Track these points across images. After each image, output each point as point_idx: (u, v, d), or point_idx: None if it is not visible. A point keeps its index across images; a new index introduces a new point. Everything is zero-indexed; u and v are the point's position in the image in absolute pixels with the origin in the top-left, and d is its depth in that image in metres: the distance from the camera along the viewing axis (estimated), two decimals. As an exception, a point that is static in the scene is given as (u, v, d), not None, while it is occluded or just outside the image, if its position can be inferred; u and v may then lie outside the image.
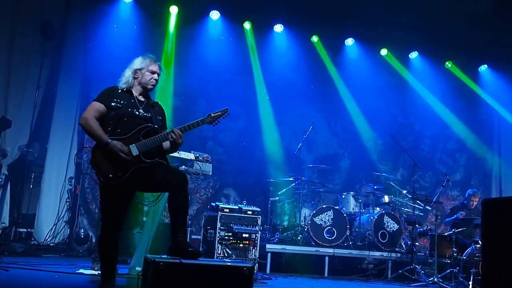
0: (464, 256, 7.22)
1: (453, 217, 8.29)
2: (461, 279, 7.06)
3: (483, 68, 11.21)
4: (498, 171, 11.17)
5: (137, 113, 4.17)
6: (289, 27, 10.08)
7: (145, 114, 4.21)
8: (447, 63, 11.00)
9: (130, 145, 4.03)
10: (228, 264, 3.85)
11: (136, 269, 5.36)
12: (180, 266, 3.67)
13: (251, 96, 9.87)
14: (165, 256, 3.88)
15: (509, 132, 10.87)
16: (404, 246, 8.46)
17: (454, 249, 7.54)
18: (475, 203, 8.48)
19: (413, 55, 10.89)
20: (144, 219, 6.11)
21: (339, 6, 9.53)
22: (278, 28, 10.07)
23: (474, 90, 11.13)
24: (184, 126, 4.18)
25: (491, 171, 11.22)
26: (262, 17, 9.80)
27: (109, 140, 3.97)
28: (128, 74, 4.26)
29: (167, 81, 8.78)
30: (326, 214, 8.08)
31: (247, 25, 9.88)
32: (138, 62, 4.29)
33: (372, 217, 8.30)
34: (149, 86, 4.29)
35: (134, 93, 4.26)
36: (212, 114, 4.29)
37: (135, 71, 4.26)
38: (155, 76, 4.29)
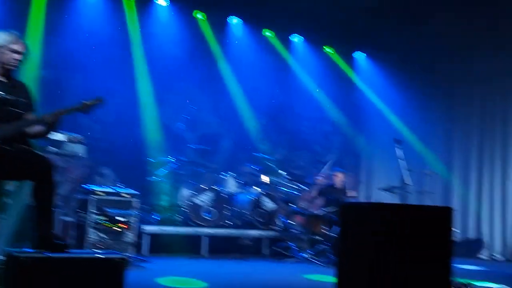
0: (334, 233, 7.64)
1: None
2: (330, 255, 7.48)
3: (360, 56, 11.79)
4: (368, 153, 11.91)
5: (-4, 95, 3.78)
6: (173, 1, 9.78)
7: (6, 96, 3.83)
8: (327, 48, 11.40)
9: None
10: (98, 256, 3.66)
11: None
12: (46, 261, 3.42)
13: (130, 71, 9.44)
14: (29, 250, 3.60)
15: (378, 117, 11.60)
16: (280, 224, 8.75)
17: (325, 226, 7.97)
18: (339, 180, 8.96)
19: (295, 38, 11.13)
20: (9, 202, 5.63)
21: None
22: (162, 1, 9.73)
23: (350, 76, 11.69)
24: (55, 113, 3.87)
25: (361, 153, 11.93)
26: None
27: None
28: None
29: (34, 50, 8.06)
30: (206, 194, 8.07)
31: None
32: None
33: (250, 197, 8.45)
34: (8, 67, 3.89)
35: None
36: (86, 102, 4.04)
37: None
38: (17, 56, 3.89)
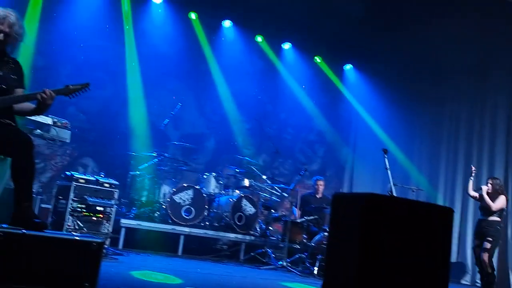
0: (313, 243, 7.63)
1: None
2: (308, 264, 7.45)
3: (348, 67, 11.91)
4: (351, 164, 11.96)
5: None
6: (167, 1, 9.80)
7: None
8: (316, 57, 11.50)
9: None
10: (75, 238, 3.60)
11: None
12: (23, 238, 3.35)
13: (121, 65, 9.41)
14: (6, 226, 3.53)
15: (364, 129, 11.68)
16: (258, 229, 8.72)
17: (304, 235, 7.95)
18: (321, 188, 8.99)
19: (286, 45, 11.21)
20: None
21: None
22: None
23: (337, 86, 11.80)
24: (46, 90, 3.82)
25: (345, 164, 11.99)
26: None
27: None
28: None
29: (29, 37, 8.02)
30: (186, 192, 8.01)
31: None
32: None
33: (231, 199, 8.40)
34: None
35: None
36: (71, 87, 3.94)
37: None
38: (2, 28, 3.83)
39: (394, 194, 6.42)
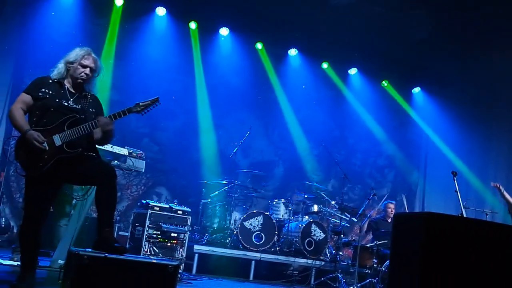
0: (383, 267, 7.51)
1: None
2: (378, 289, 7.33)
3: (417, 90, 11.74)
4: (422, 189, 11.69)
5: (65, 104, 4.09)
6: (235, 31, 10.12)
7: (74, 105, 4.14)
8: (383, 82, 11.44)
9: (54, 136, 3.97)
10: (153, 261, 3.83)
11: (59, 262, 5.23)
12: (105, 261, 3.62)
13: (191, 96, 9.83)
14: (89, 250, 3.82)
15: (435, 153, 11.41)
16: (328, 255, 8.69)
17: (374, 260, 7.83)
18: (391, 212, 8.84)
19: (352, 71, 11.25)
20: (72, 212, 5.97)
21: (284, 15, 9.69)
22: (224, 31, 10.10)
23: (406, 110, 11.64)
24: (110, 115, 4.13)
25: (416, 188, 11.73)
26: (208, 18, 9.78)
27: (27, 130, 3.89)
28: (61, 65, 4.21)
29: (105, 73, 8.58)
30: (256, 219, 8.17)
31: (192, 25, 9.83)
32: (72, 55, 4.23)
33: (300, 225, 8.46)
34: (79, 80, 4.21)
35: (66, 84, 4.19)
36: (141, 103, 4.24)
37: (68, 64, 4.19)
38: (86, 70, 4.20)
39: (465, 215, 6.26)
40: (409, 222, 3.11)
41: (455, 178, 6.38)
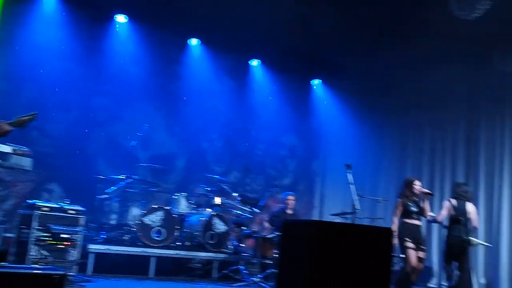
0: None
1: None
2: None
3: (317, 82, 12.01)
4: (321, 177, 12.02)
5: None
6: (133, 18, 9.71)
7: None
8: (286, 74, 11.54)
9: None
10: (35, 272, 3.53)
11: None
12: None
13: (87, 87, 9.31)
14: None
15: (334, 143, 11.76)
16: (232, 247, 8.68)
17: (275, 250, 7.94)
18: (291, 203, 8.97)
19: (254, 62, 11.24)
20: None
21: (186, 4, 9.36)
22: (121, 18, 9.65)
23: (307, 101, 11.88)
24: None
25: (316, 177, 12.03)
26: (103, 3, 9.29)
27: None
28: None
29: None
30: (156, 214, 7.95)
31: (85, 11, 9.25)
32: None
33: (201, 218, 8.37)
34: None
35: None
36: (21, 118, 4.03)
37: None
38: None
39: (358, 207, 6.49)
40: (296, 229, 3.15)
41: (349, 171, 6.57)
